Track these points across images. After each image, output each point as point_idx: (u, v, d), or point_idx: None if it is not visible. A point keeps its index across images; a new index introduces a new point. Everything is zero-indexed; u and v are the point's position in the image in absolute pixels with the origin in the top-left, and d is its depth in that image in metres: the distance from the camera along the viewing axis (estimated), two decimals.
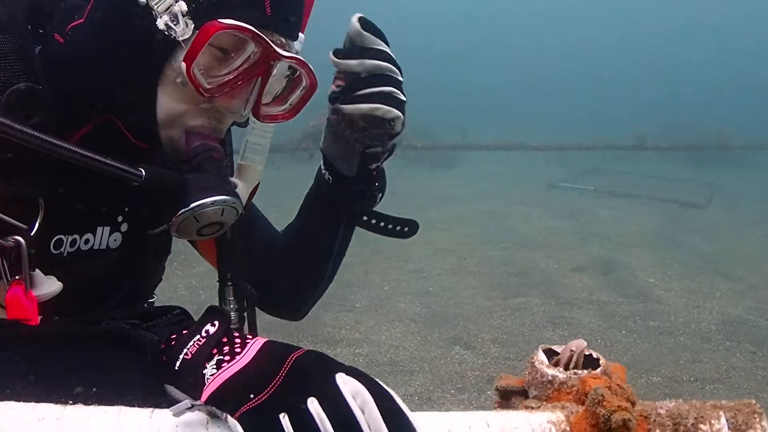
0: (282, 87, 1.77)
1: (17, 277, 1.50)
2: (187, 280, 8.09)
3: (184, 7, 1.48)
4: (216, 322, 1.22)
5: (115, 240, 1.76)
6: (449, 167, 18.85)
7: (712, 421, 1.09)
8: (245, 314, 1.98)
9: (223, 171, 1.68)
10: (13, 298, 1.48)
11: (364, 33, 1.72)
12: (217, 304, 1.84)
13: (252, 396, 1.03)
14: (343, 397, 1.02)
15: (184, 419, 1.01)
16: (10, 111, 1.47)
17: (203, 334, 1.19)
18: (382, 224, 2.03)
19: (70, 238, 1.66)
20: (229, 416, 1.01)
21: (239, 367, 1.09)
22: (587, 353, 1.23)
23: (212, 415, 1.03)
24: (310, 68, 1.68)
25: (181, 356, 1.16)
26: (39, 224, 1.54)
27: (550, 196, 15.81)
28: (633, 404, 1.04)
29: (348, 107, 1.73)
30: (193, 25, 1.49)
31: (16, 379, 1.17)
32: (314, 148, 15.76)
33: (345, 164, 1.91)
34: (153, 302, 2.09)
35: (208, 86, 1.54)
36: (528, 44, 53.03)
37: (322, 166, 1.97)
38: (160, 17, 1.49)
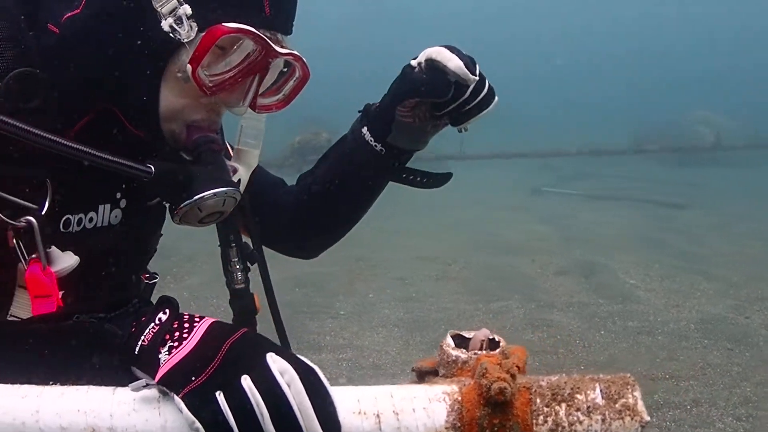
0: (274, 79, 1.83)
1: (33, 256, 1.60)
2: (179, 292, 8.14)
3: (188, 10, 1.55)
4: (167, 310, 1.38)
5: (116, 216, 1.84)
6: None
7: (588, 392, 1.28)
8: (248, 275, 2.11)
9: (223, 162, 1.78)
10: (32, 276, 1.59)
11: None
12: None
13: (193, 378, 1.21)
14: (272, 373, 1.20)
15: (141, 395, 1.21)
16: (9, 97, 1.54)
17: (156, 322, 1.35)
18: (418, 179, 2.09)
19: (77, 217, 1.75)
20: (175, 395, 1.19)
21: (185, 353, 1.26)
22: (491, 337, 1.43)
23: (164, 393, 1.22)
24: (304, 62, 1.76)
25: (139, 343, 1.33)
26: (48, 203, 1.63)
27: (534, 201, 15.96)
28: (513, 377, 1.25)
29: (470, 122, 1.90)
30: (197, 28, 1.56)
31: (2, 372, 1.33)
32: (300, 162, 15.98)
33: (418, 145, 2.04)
34: (153, 276, 2.18)
35: (210, 84, 1.61)
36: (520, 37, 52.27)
37: (371, 140, 2.00)
38: (165, 19, 1.55)
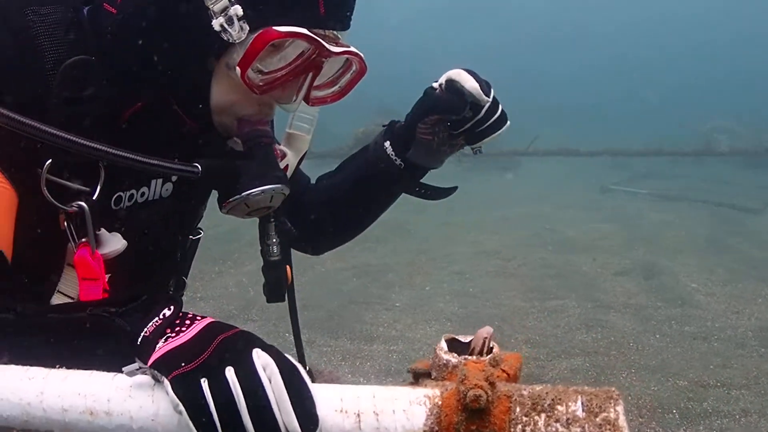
0: (335, 71, 1.84)
1: (83, 240, 1.65)
2: (238, 277, 8.45)
3: (239, 11, 1.54)
4: (172, 306, 1.43)
5: (167, 189, 1.91)
6: (507, 170, 18.88)
7: (569, 403, 1.28)
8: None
9: (273, 156, 1.80)
10: (80, 259, 1.65)
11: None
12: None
13: (183, 364, 1.27)
14: (254, 367, 1.25)
15: (137, 381, 1.29)
16: (65, 87, 1.58)
17: (161, 316, 1.41)
18: (428, 192, 2.25)
19: (128, 193, 1.82)
20: (164, 378, 1.27)
21: (180, 342, 1.33)
22: (490, 346, 1.46)
23: (156, 379, 1.29)
24: (362, 57, 1.76)
25: (142, 334, 1.40)
26: (101, 187, 1.67)
27: (601, 199, 15.78)
28: (492, 384, 1.28)
29: (483, 142, 2.04)
30: (248, 29, 1.55)
31: (16, 356, 1.43)
32: None
33: (434, 164, 2.17)
34: (197, 231, 2.26)
35: (260, 84, 1.62)
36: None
37: (392, 154, 2.14)
38: (216, 18, 1.54)
